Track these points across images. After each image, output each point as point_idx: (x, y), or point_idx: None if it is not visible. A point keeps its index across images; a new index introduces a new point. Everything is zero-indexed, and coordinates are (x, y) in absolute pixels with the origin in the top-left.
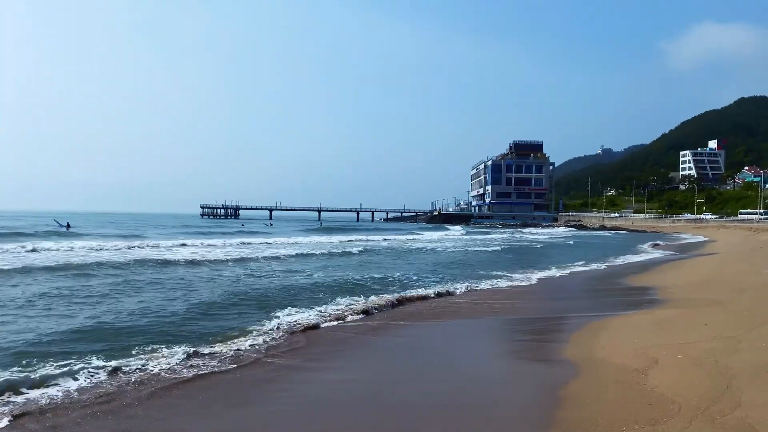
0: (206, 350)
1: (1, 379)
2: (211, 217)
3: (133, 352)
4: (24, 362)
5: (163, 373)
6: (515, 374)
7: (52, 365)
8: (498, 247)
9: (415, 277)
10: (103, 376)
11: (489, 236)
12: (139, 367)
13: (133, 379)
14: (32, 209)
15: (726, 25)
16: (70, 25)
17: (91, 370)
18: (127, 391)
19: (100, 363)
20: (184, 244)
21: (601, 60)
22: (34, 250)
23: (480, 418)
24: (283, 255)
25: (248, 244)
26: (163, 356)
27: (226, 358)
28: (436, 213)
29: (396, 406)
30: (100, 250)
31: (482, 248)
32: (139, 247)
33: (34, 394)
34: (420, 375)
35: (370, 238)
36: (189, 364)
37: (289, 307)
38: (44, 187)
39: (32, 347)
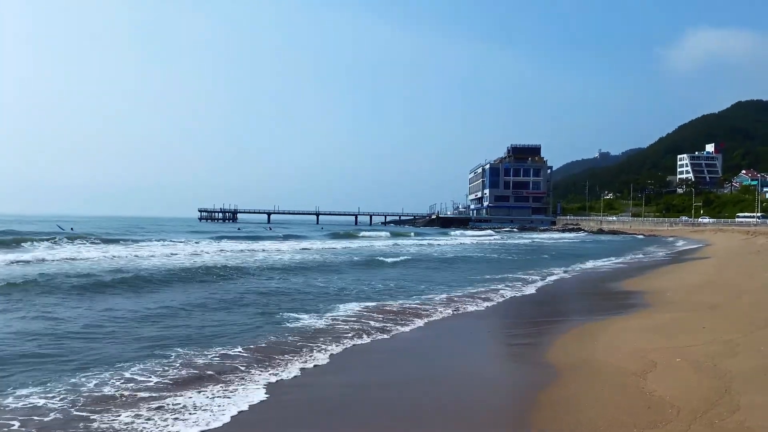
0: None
1: None
2: (209, 220)
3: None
4: None
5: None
6: (511, 377)
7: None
8: (554, 252)
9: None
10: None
11: (525, 240)
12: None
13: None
14: (27, 213)
15: (723, 30)
16: (70, 25)
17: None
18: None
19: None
20: (222, 250)
21: (599, 64)
22: (152, 255)
23: (472, 421)
24: (337, 261)
25: (307, 249)
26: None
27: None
28: (434, 216)
29: (392, 410)
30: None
31: (544, 255)
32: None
33: None
34: (427, 376)
35: (400, 242)
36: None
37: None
38: (42, 189)
39: None
